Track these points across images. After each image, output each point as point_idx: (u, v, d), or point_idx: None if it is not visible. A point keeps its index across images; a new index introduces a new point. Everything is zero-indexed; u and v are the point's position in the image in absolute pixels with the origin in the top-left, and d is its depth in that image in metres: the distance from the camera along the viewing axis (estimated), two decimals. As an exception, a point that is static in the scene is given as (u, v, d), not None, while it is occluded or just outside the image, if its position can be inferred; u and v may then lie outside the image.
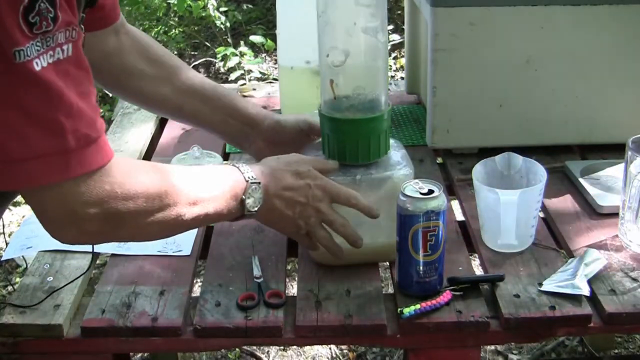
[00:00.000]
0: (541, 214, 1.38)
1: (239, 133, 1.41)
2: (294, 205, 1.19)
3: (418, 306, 1.15)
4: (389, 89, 1.69)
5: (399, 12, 3.16)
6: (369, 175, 1.25)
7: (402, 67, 3.72)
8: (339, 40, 1.23)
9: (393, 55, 3.87)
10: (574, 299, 1.18)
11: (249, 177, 1.16)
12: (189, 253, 1.33)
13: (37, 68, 0.91)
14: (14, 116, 0.92)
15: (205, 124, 1.42)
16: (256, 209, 1.16)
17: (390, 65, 3.83)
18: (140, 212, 1.04)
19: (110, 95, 3.28)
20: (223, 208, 1.14)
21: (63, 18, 0.93)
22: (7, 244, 1.40)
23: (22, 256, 1.37)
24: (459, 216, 1.47)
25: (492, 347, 2.26)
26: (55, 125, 0.94)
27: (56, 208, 0.99)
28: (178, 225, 1.10)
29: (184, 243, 1.34)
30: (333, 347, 2.29)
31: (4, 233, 1.37)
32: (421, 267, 1.18)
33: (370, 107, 1.25)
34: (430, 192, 1.16)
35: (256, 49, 4.15)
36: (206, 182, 1.14)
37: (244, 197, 1.15)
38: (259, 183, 1.16)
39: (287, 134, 1.38)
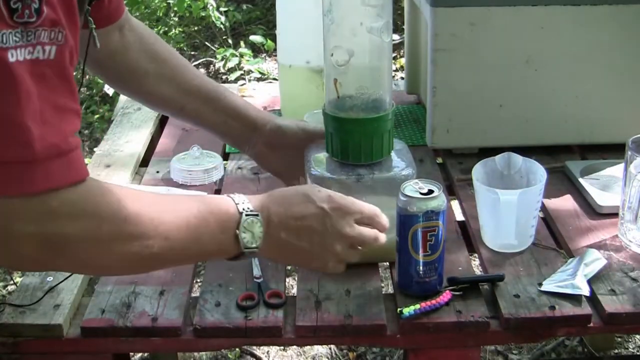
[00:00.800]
0: (541, 214, 1.38)
1: (239, 135, 1.40)
2: (310, 235, 1.08)
3: (418, 306, 1.15)
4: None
5: (399, 12, 3.15)
6: (372, 175, 1.25)
7: (402, 67, 3.72)
8: (344, 39, 1.23)
9: (393, 55, 3.86)
10: (574, 299, 1.18)
11: (243, 209, 1.04)
12: (189, 253, 1.33)
13: (11, 59, 0.82)
14: None
15: (207, 124, 1.41)
16: (256, 244, 1.05)
17: (390, 65, 3.81)
18: (91, 237, 0.91)
19: (110, 95, 3.28)
20: (209, 244, 1.02)
21: (48, 14, 0.84)
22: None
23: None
24: (459, 216, 1.46)
25: (492, 347, 2.26)
26: (21, 129, 0.83)
27: None
28: (146, 261, 0.98)
29: (184, 243, 1.34)
30: (333, 347, 2.29)
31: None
32: (421, 267, 1.18)
33: (373, 107, 1.25)
34: (430, 192, 1.16)
35: (256, 49, 4.15)
36: (188, 213, 1.00)
37: (237, 231, 1.03)
38: (257, 215, 1.04)
39: (288, 139, 1.38)
